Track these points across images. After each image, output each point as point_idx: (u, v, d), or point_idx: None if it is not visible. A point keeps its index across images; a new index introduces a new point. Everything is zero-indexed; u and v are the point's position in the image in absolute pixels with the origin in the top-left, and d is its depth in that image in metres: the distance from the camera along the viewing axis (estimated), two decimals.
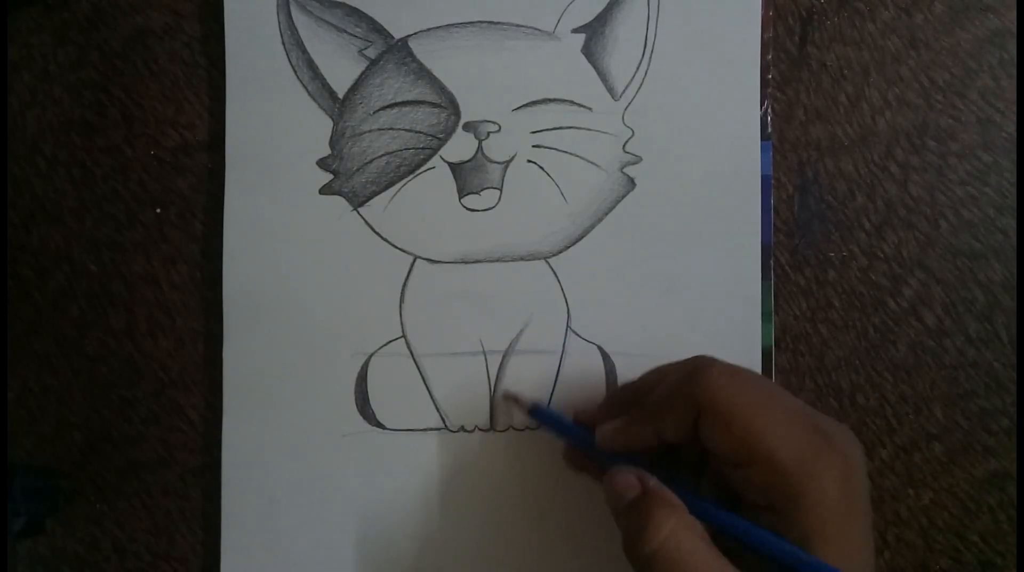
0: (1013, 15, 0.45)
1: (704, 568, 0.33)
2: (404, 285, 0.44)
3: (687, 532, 0.34)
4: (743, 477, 0.35)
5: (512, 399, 0.44)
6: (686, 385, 0.36)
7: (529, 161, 0.44)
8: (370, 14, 0.45)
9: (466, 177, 0.44)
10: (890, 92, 0.45)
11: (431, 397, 0.44)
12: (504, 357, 0.44)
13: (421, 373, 0.44)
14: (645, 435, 0.37)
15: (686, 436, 0.36)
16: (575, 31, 0.45)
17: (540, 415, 0.43)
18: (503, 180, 0.44)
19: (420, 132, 0.44)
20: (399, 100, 0.44)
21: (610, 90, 0.45)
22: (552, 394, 0.44)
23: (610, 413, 0.39)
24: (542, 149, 0.44)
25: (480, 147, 0.44)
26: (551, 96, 0.44)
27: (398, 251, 0.44)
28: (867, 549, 0.35)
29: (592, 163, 0.44)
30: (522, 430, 0.44)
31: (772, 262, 0.44)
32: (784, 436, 0.34)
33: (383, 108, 0.44)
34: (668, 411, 0.36)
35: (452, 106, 0.44)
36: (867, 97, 0.45)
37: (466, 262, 0.44)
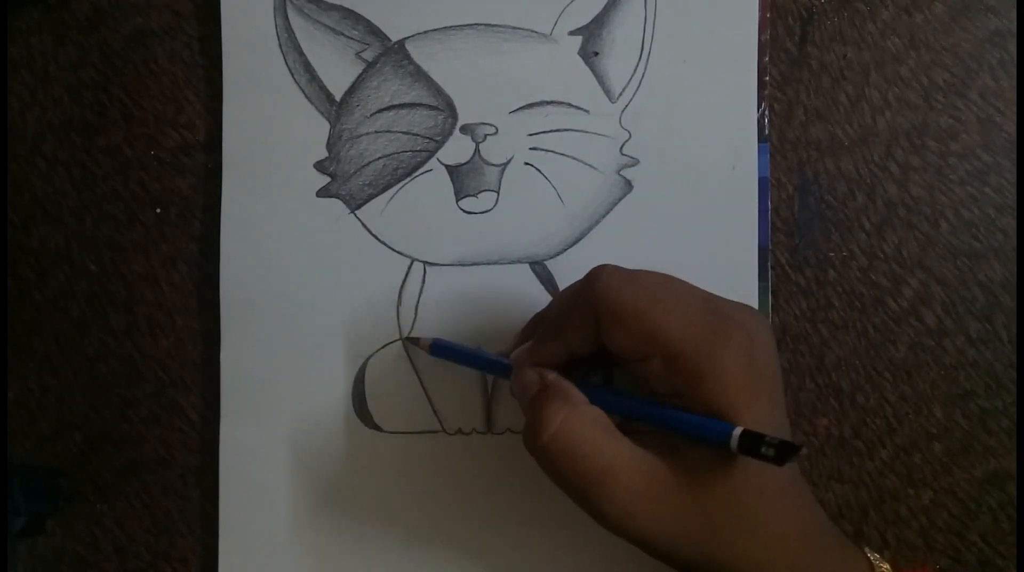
0: (1013, 15, 0.44)
1: (596, 452, 0.34)
2: (401, 288, 0.44)
3: (580, 420, 0.35)
4: (647, 371, 0.35)
5: (414, 343, 0.44)
6: (582, 294, 0.36)
7: (526, 163, 0.44)
8: (367, 16, 0.45)
9: (463, 180, 0.44)
10: (890, 92, 0.45)
11: (428, 400, 0.44)
12: None
13: (418, 376, 0.44)
14: (554, 351, 0.38)
15: (591, 345, 0.36)
16: (572, 33, 0.44)
17: (442, 351, 0.43)
18: (500, 182, 0.44)
19: (417, 135, 0.44)
20: (396, 103, 0.44)
21: (607, 92, 0.44)
22: None
23: (523, 339, 0.40)
24: (539, 151, 0.44)
25: (477, 150, 0.44)
26: (548, 98, 0.44)
27: (395, 254, 0.44)
28: (777, 422, 0.35)
29: (589, 165, 0.44)
30: (519, 432, 0.44)
31: (769, 264, 0.44)
32: (678, 323, 0.34)
33: (380, 111, 0.44)
34: (569, 322, 0.37)
35: (449, 109, 0.44)
36: (867, 97, 0.45)
37: (463, 264, 0.44)
